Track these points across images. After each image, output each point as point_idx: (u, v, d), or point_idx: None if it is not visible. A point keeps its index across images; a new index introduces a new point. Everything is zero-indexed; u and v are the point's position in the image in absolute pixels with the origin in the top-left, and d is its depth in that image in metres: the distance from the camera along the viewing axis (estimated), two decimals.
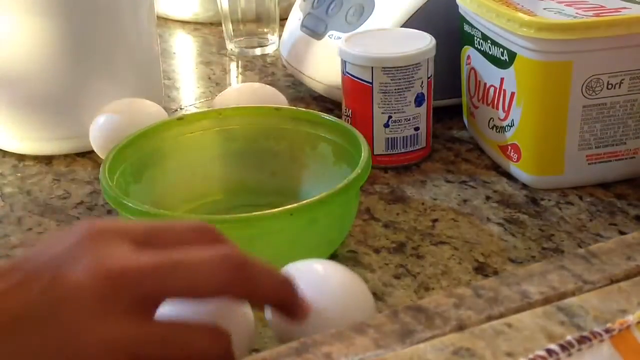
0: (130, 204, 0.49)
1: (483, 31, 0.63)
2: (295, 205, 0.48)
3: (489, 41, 0.62)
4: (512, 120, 0.61)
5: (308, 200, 0.48)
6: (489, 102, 0.64)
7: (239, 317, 0.41)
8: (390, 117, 0.64)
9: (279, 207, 0.48)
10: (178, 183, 0.59)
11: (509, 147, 0.62)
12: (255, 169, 0.61)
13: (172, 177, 0.59)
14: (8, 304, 0.32)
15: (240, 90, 0.70)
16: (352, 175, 0.50)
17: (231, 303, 0.40)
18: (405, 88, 0.63)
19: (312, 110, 0.61)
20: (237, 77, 0.92)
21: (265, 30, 0.95)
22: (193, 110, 0.81)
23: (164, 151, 0.59)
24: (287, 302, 0.38)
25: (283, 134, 0.60)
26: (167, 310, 0.37)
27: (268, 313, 0.41)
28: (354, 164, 0.52)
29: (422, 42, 0.64)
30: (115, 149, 0.55)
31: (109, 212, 0.61)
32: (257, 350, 0.45)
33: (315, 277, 0.41)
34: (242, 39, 0.95)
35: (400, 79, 0.63)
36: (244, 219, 0.49)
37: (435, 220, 0.58)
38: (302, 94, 0.81)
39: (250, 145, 0.61)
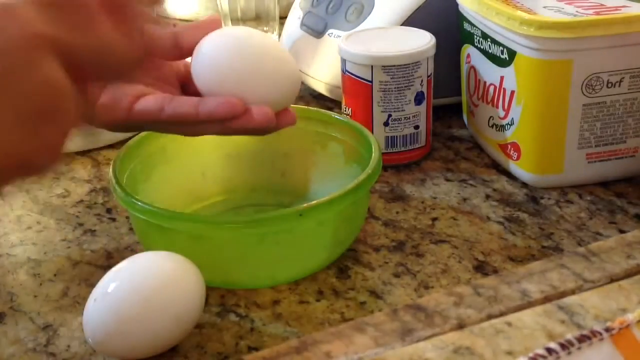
0: (139, 203, 0.49)
1: (483, 29, 0.63)
2: (304, 206, 0.48)
3: (488, 39, 0.62)
4: (512, 118, 0.61)
5: (317, 201, 0.48)
6: (488, 100, 0.64)
7: (189, 286, 0.45)
8: (390, 115, 0.64)
9: (288, 207, 0.48)
10: (187, 182, 0.59)
11: (509, 146, 0.62)
12: (265, 169, 0.61)
13: (181, 176, 0.59)
14: None
15: None
16: (362, 175, 0.50)
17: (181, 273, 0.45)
18: (405, 86, 0.63)
19: (322, 110, 0.61)
20: None
21: (265, 28, 0.95)
22: None
23: (174, 150, 0.58)
24: None
25: (293, 133, 0.60)
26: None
27: None
28: (364, 163, 0.52)
29: (422, 40, 0.64)
30: (125, 148, 0.55)
31: (108, 210, 0.61)
32: (256, 349, 0.46)
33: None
34: None
35: (400, 77, 0.62)
36: (253, 219, 0.50)
37: (435, 219, 0.58)
38: (301, 92, 0.81)
39: (260, 144, 0.60)
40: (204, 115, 0.44)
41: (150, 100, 0.44)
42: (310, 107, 0.63)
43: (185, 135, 0.48)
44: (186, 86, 0.48)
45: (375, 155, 0.52)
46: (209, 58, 0.44)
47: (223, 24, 0.95)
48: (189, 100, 0.44)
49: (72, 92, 0.35)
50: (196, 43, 0.45)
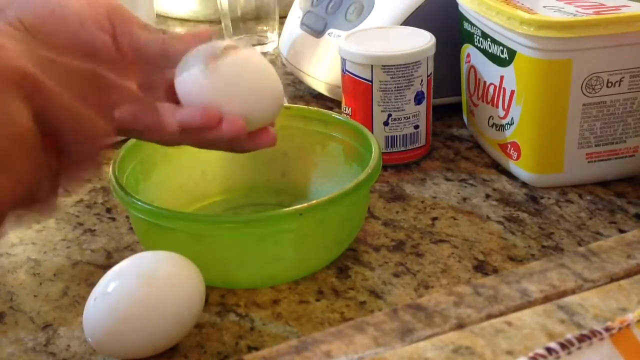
0: (139, 203, 0.49)
1: (483, 29, 0.63)
2: (304, 205, 0.48)
3: (488, 39, 0.62)
4: (512, 118, 0.61)
5: (317, 201, 0.48)
6: (488, 100, 0.64)
7: (190, 283, 0.45)
8: (390, 115, 0.64)
9: (288, 207, 0.48)
10: (187, 181, 0.59)
11: (509, 146, 0.62)
12: (265, 169, 0.61)
13: (181, 175, 0.59)
14: None
15: None
16: (362, 175, 0.50)
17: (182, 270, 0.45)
18: (405, 86, 0.63)
19: (322, 109, 0.61)
20: None
21: (265, 28, 0.95)
22: None
23: (174, 150, 0.58)
24: None
25: (293, 133, 0.60)
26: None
27: None
28: (364, 163, 0.52)
29: (422, 40, 0.64)
30: (125, 148, 0.54)
31: (108, 210, 0.61)
32: (256, 349, 0.46)
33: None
34: (241, 37, 0.95)
35: (400, 77, 0.62)
36: (253, 219, 0.50)
37: (434, 219, 0.58)
38: (301, 92, 0.81)
39: None
40: (179, 123, 0.43)
41: (126, 109, 0.42)
42: (310, 107, 0.63)
43: (163, 145, 0.47)
44: (173, 95, 0.47)
45: (375, 154, 0.52)
46: (191, 72, 0.44)
47: (224, 28, 0.95)
48: (164, 110, 0.44)
49: (34, 145, 0.33)
50: (184, 53, 0.45)
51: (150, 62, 0.46)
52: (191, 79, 0.44)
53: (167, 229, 0.50)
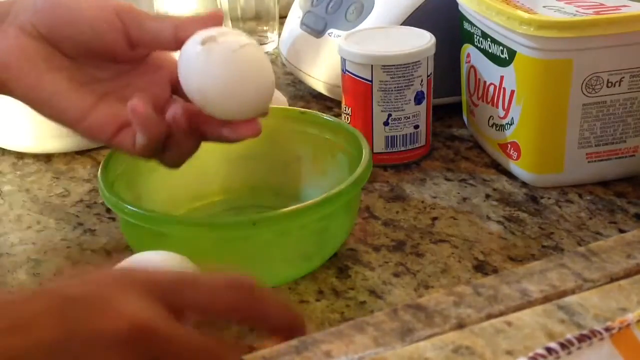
0: (126, 206, 0.48)
1: (483, 29, 0.63)
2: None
3: (488, 39, 0.62)
4: (512, 118, 0.61)
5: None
6: (488, 100, 0.64)
7: None
8: (389, 115, 0.64)
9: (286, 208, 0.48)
10: (188, 181, 0.59)
11: (509, 145, 0.62)
12: (266, 169, 0.60)
13: (182, 174, 0.58)
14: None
15: None
16: (341, 185, 0.49)
17: None
18: (405, 86, 0.63)
19: (318, 113, 0.61)
20: None
21: (265, 28, 0.95)
22: None
23: None
24: (292, 333, 0.37)
25: (294, 136, 0.60)
26: None
27: None
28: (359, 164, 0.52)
29: (422, 40, 0.64)
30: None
31: (108, 210, 0.61)
32: (256, 349, 0.45)
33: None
34: None
35: (399, 77, 0.62)
36: (249, 220, 0.50)
37: (434, 219, 0.58)
38: (301, 92, 0.81)
39: (261, 146, 0.58)
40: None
41: (127, 138, 0.46)
42: (307, 110, 0.63)
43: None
44: (178, 89, 0.48)
45: (364, 158, 0.52)
46: (188, 54, 0.45)
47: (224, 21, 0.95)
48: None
49: None
50: None
51: (164, 47, 0.48)
52: (187, 60, 0.45)
53: (135, 226, 0.50)
